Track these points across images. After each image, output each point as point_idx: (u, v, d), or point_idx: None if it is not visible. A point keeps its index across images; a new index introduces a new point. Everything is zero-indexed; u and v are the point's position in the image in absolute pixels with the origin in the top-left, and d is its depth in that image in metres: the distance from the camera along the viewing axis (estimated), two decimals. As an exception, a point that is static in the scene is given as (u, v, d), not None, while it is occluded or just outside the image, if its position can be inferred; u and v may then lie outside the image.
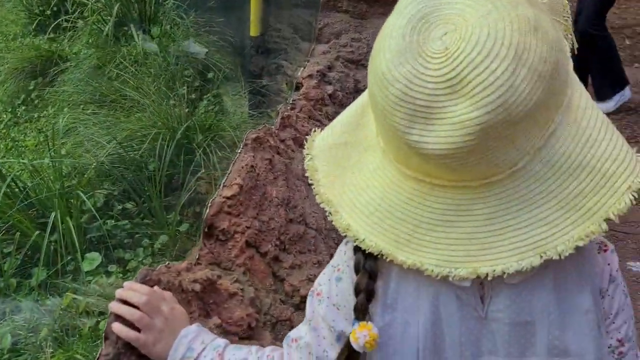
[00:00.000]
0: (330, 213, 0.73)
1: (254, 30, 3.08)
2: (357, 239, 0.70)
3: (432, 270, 0.66)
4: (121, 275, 2.44)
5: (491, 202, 0.64)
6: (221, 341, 0.92)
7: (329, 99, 1.87)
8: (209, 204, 1.24)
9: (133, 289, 0.90)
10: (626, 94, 3.98)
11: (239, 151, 1.39)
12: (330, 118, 1.89)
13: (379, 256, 0.70)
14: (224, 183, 1.28)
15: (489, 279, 0.65)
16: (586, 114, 0.65)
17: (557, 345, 0.71)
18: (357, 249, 0.74)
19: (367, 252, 0.70)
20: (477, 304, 0.72)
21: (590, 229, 0.62)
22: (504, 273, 0.64)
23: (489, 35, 0.58)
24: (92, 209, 2.56)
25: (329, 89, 1.88)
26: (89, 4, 4.47)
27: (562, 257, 0.63)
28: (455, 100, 0.59)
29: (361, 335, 0.70)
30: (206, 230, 1.23)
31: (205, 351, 0.89)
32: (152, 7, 4.10)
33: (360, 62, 2.01)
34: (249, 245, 1.27)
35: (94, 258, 2.44)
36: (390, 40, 0.63)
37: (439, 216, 0.66)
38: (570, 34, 0.73)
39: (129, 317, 0.88)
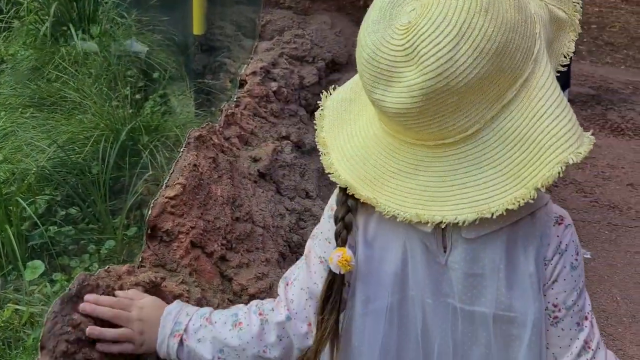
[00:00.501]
0: (322, 154, 0.85)
1: (197, 29, 3.03)
2: (333, 175, 0.82)
3: (383, 208, 0.77)
4: (66, 282, 2.36)
5: (444, 162, 0.74)
6: (206, 309, 0.99)
7: (273, 95, 1.86)
8: (152, 205, 1.21)
9: (97, 300, 0.93)
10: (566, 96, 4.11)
11: (182, 150, 1.36)
12: (276, 115, 1.89)
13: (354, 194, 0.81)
14: (166, 183, 1.25)
15: (428, 225, 0.76)
16: (542, 93, 0.72)
17: (503, 301, 0.81)
18: (341, 189, 0.84)
19: (345, 191, 0.82)
20: (439, 252, 0.82)
21: (522, 194, 0.70)
22: (441, 222, 0.74)
23: (440, 12, 0.66)
24: (33, 215, 2.47)
25: (274, 85, 1.87)
26: (25, 3, 4.30)
27: (494, 217, 0.72)
28: (408, 67, 0.68)
29: (335, 256, 0.80)
30: (149, 231, 1.20)
31: (192, 320, 0.95)
32: (91, 6, 3.98)
33: (304, 58, 2.01)
34: (194, 246, 1.25)
35: (37, 266, 2.35)
36: (372, 11, 0.73)
37: (402, 167, 0.77)
38: (578, 19, 0.82)
39: (106, 316, 0.91)
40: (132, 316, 0.93)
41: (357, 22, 2.19)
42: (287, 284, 0.94)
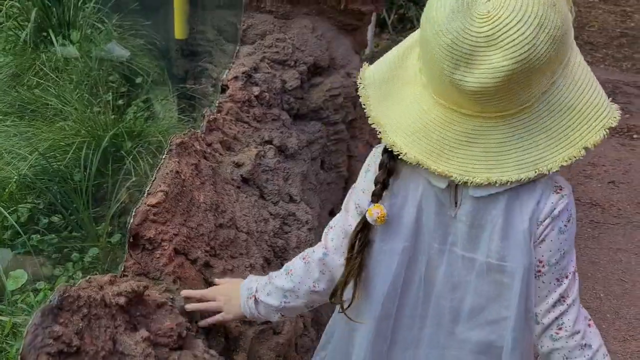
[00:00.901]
0: (379, 132, 0.94)
1: (178, 33, 3.02)
2: (400, 152, 0.92)
3: (456, 178, 0.90)
4: (50, 292, 2.33)
5: (501, 130, 0.87)
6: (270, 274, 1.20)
7: (255, 100, 1.86)
8: (133, 213, 1.20)
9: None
10: None
11: (164, 157, 1.36)
12: (258, 119, 1.88)
13: (404, 161, 0.93)
14: (148, 190, 1.25)
15: (496, 185, 0.89)
16: (579, 70, 0.88)
17: (498, 251, 0.95)
18: (384, 152, 0.98)
19: (389, 155, 0.96)
20: (451, 206, 0.97)
21: (573, 153, 0.87)
22: (508, 182, 0.88)
23: (521, 5, 0.78)
24: (15, 224, 2.44)
25: (256, 90, 1.87)
26: (3, 9, 4.25)
27: (550, 173, 0.88)
28: (491, 51, 0.80)
29: (375, 212, 0.96)
30: (131, 240, 1.19)
31: (259, 282, 1.18)
32: (71, 12, 3.94)
33: (285, 62, 2.01)
34: (177, 253, 1.25)
35: (19, 276, 2.32)
36: (447, 1, 0.82)
37: (463, 137, 0.88)
38: (573, 8, 0.91)
39: (198, 296, 1.21)
40: (219, 291, 1.22)
41: (338, 26, 2.20)
42: (329, 229, 1.11)
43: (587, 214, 3.07)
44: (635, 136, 3.97)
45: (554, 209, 0.93)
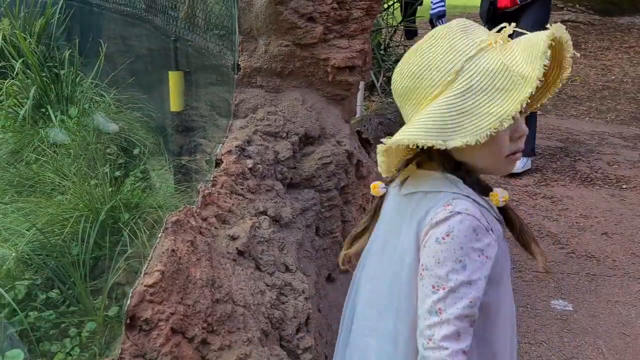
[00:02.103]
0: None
1: (174, 106, 3.12)
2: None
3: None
4: (47, 371, 2.31)
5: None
6: None
7: (249, 172, 1.91)
8: (130, 294, 1.22)
9: None
10: (529, 163, 4.20)
11: (159, 236, 1.39)
12: (252, 191, 1.93)
13: None
14: (144, 270, 1.27)
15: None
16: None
17: (395, 243, 1.09)
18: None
19: None
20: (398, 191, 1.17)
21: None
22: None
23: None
24: (12, 302, 2.43)
25: (249, 162, 1.92)
26: (4, 87, 4.38)
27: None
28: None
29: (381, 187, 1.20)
30: (128, 321, 1.20)
31: None
32: (69, 88, 4.07)
33: (278, 134, 2.08)
34: (174, 332, 1.26)
35: (16, 355, 2.29)
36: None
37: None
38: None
39: None
40: None
41: (327, 97, 2.29)
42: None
43: (583, 267, 3.08)
44: (624, 186, 4.03)
45: (433, 219, 1.00)
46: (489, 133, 0.93)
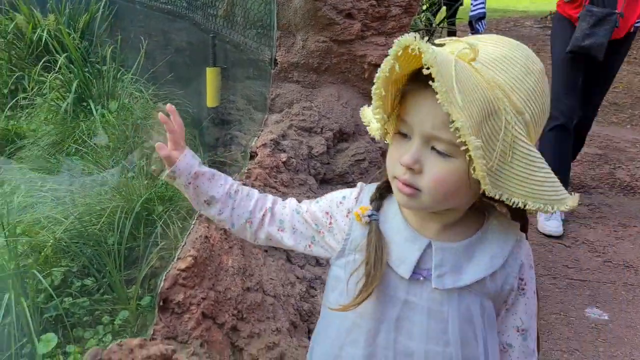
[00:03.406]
0: None
1: (210, 102, 3.16)
2: None
3: None
4: (79, 355, 2.36)
5: None
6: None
7: (283, 165, 1.92)
8: (164, 277, 1.24)
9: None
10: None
11: (194, 222, 1.41)
12: (286, 184, 1.94)
13: None
14: (178, 255, 1.29)
15: None
16: None
17: None
18: None
19: None
20: None
21: None
22: None
23: None
24: (49, 287, 2.49)
25: (283, 156, 1.93)
26: (47, 81, 4.51)
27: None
28: None
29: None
30: (161, 304, 1.22)
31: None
32: (110, 82, 4.17)
33: (312, 129, 2.08)
34: (205, 317, 1.27)
35: (50, 339, 2.35)
36: None
37: None
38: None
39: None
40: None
41: (363, 94, 2.28)
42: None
43: (620, 276, 2.99)
44: (665, 196, 3.90)
45: None
46: (371, 127, 0.93)
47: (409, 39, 0.74)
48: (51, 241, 2.87)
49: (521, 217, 0.93)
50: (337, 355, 0.96)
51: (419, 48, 0.73)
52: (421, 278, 0.89)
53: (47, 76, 4.54)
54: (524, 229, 0.94)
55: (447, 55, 0.77)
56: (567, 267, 2.95)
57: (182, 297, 1.24)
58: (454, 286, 0.88)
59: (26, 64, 4.87)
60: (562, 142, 3.24)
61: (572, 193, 0.84)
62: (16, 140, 4.13)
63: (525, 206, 0.81)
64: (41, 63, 4.66)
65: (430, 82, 0.73)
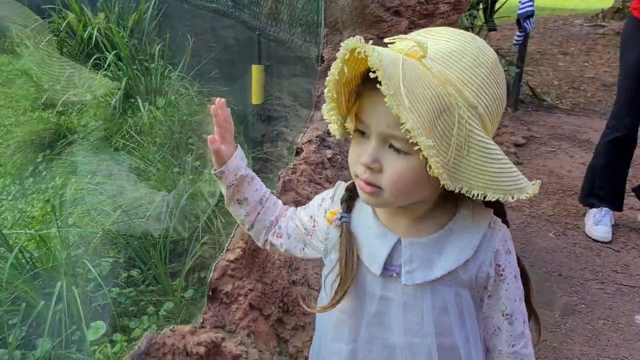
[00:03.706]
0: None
1: (255, 99, 3.19)
2: None
3: None
4: (126, 344, 2.42)
5: None
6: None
7: (328, 162, 1.92)
8: (213, 268, 1.26)
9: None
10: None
11: (242, 215, 1.43)
12: (330, 181, 1.94)
13: None
14: (227, 247, 1.31)
15: None
16: None
17: None
18: None
19: None
20: None
21: None
22: None
23: None
24: (98, 277, 2.57)
25: (328, 153, 1.94)
26: (97, 78, 4.65)
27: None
28: None
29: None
30: (210, 293, 1.25)
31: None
32: (158, 79, 4.26)
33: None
34: (252, 308, 1.29)
35: (99, 327, 2.41)
36: None
37: None
38: None
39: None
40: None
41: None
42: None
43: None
44: None
45: None
46: (331, 126, 0.92)
47: (355, 42, 0.74)
48: (100, 232, 2.96)
49: (494, 203, 0.91)
50: (328, 351, 1.00)
51: (364, 51, 0.73)
52: (394, 274, 0.90)
53: (97, 73, 4.68)
54: (499, 213, 0.94)
55: (394, 55, 0.76)
56: (616, 272, 2.86)
57: (231, 288, 1.26)
58: (424, 280, 0.89)
59: (77, 61, 5.04)
60: (621, 154, 3.05)
61: (534, 182, 0.84)
62: (67, 135, 4.27)
63: (485, 198, 0.81)
64: (91, 60, 4.80)
65: (377, 85, 0.73)
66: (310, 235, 1.04)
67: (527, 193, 0.82)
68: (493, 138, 0.88)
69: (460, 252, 0.89)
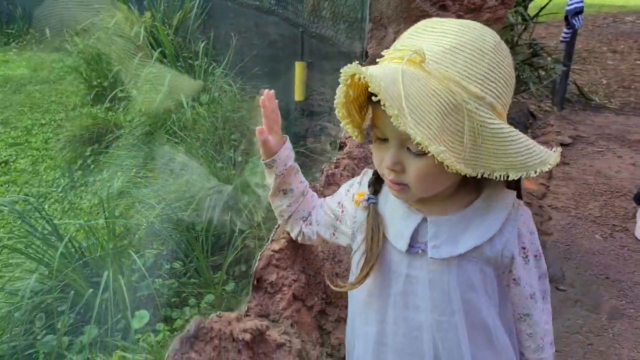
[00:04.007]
0: None
1: (298, 95, 3.21)
2: None
3: None
4: (168, 333, 2.47)
5: None
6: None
7: (371, 157, 1.92)
8: (259, 257, 1.28)
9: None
10: None
11: (286, 207, 1.44)
12: (373, 176, 1.94)
13: None
14: (272, 237, 1.33)
15: None
16: None
17: None
18: None
19: None
20: None
21: None
22: None
23: None
24: (142, 268, 2.63)
25: (371, 148, 1.93)
26: (143, 75, 4.76)
27: None
28: None
29: None
30: (255, 282, 1.26)
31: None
32: (202, 76, 4.33)
33: (401, 122, 2.07)
34: (295, 298, 1.30)
35: (143, 316, 2.47)
36: None
37: None
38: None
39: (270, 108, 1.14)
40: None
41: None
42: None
43: None
44: None
45: None
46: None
47: (353, 68, 0.78)
48: (144, 224, 3.03)
49: (514, 186, 0.95)
50: (357, 335, 1.04)
51: (363, 77, 0.76)
52: (419, 251, 0.93)
53: (143, 70, 4.79)
54: (518, 195, 0.96)
55: (393, 73, 0.78)
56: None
57: (275, 278, 1.27)
58: (450, 255, 0.90)
59: (124, 59, 5.17)
60: None
61: (554, 149, 0.84)
62: (114, 130, 4.39)
63: (507, 178, 0.83)
64: (138, 57, 4.92)
65: (382, 107, 0.75)
66: (340, 221, 1.09)
67: (550, 164, 0.83)
68: (527, 131, 0.89)
69: (486, 228, 0.91)
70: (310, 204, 1.18)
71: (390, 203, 0.98)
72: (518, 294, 0.97)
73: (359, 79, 0.78)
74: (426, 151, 0.77)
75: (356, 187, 1.06)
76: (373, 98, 0.77)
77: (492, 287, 0.94)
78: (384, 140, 0.88)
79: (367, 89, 0.80)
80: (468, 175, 0.85)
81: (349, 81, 0.82)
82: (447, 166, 0.79)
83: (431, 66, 0.80)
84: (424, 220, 0.93)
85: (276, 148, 1.13)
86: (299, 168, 1.18)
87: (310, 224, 1.16)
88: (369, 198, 0.99)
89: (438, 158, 0.77)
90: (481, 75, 0.81)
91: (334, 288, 1.00)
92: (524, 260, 0.95)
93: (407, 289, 0.94)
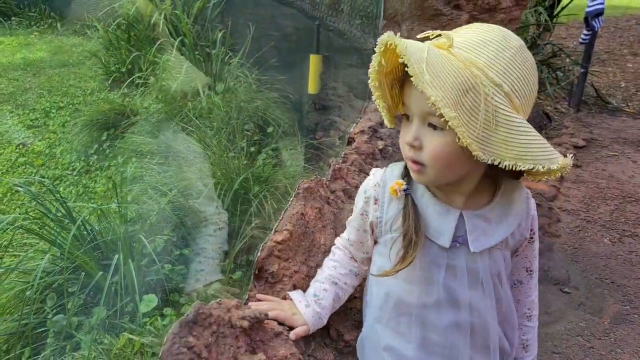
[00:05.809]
0: None
1: (312, 88, 3.23)
2: None
3: None
4: (175, 318, 2.51)
5: None
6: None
7: (379, 153, 1.94)
8: (261, 248, 1.31)
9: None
10: None
11: (291, 199, 1.47)
12: (380, 171, 1.96)
13: None
14: (275, 228, 1.35)
15: None
16: None
17: None
18: None
19: None
20: None
21: None
22: None
23: None
24: (152, 253, 2.67)
25: (380, 144, 1.95)
26: (161, 62, 4.81)
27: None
28: None
29: None
30: (256, 272, 1.29)
31: (311, 291, 1.27)
32: (218, 65, 4.37)
33: (411, 119, 2.08)
34: (296, 289, 1.33)
35: (151, 300, 2.51)
36: None
37: None
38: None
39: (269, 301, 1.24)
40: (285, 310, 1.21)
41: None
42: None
43: None
44: None
45: None
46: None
47: (387, 36, 0.84)
48: (156, 210, 3.08)
49: (517, 177, 1.02)
50: (392, 317, 1.10)
51: (394, 42, 0.83)
52: (457, 244, 1.00)
53: (161, 57, 4.84)
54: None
55: (421, 45, 0.85)
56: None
57: (276, 268, 1.30)
58: (485, 247, 1.00)
59: (142, 45, 5.22)
60: None
61: (568, 155, 0.89)
62: (130, 116, 4.45)
63: (516, 168, 0.87)
64: (156, 45, 4.97)
65: (406, 68, 0.82)
66: (364, 231, 1.16)
67: (558, 163, 0.87)
68: (541, 132, 0.92)
69: (513, 220, 1.01)
70: (359, 275, 1.28)
71: (420, 200, 1.03)
72: (517, 264, 1.10)
73: (390, 45, 0.84)
74: (442, 122, 0.84)
75: (372, 190, 1.09)
76: (399, 60, 0.83)
77: (509, 268, 1.07)
78: (408, 119, 0.94)
79: (401, 65, 0.87)
80: (485, 169, 0.93)
81: (382, 49, 0.87)
82: (458, 140, 0.83)
83: (457, 52, 0.87)
84: (460, 215, 1.00)
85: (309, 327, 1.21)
86: (333, 297, 1.25)
87: (363, 263, 1.25)
88: (406, 188, 1.03)
89: (450, 124, 0.82)
90: (502, 66, 0.87)
91: (374, 275, 1.12)
92: (530, 241, 1.07)
93: (447, 276, 1.02)
